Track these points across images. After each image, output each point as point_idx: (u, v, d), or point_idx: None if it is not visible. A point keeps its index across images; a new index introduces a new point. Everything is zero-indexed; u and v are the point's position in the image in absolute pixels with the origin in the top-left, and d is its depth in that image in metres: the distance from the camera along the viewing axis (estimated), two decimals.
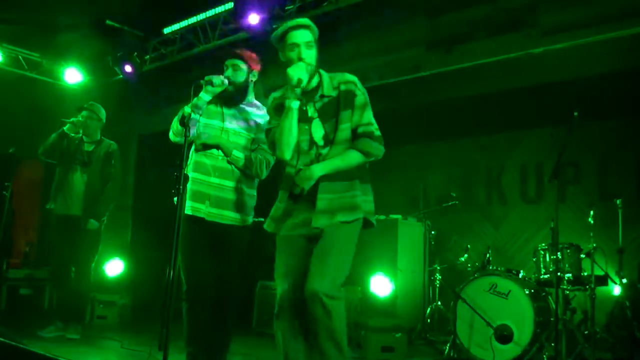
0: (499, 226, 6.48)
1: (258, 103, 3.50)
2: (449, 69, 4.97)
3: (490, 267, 4.54)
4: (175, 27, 6.63)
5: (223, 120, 3.37)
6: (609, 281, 4.52)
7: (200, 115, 3.31)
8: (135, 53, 6.58)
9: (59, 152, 5.03)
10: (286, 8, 5.90)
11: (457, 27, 4.97)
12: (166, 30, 6.75)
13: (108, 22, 6.44)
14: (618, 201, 4.54)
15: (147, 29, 6.81)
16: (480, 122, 6.47)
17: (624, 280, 4.57)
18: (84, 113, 5.23)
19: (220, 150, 3.30)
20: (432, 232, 5.51)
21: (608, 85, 5.15)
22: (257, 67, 3.52)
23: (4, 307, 6.60)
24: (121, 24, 6.56)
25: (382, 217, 5.39)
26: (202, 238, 3.28)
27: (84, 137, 5.21)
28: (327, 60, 6.15)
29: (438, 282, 5.55)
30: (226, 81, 3.33)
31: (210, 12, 6.24)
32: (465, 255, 5.24)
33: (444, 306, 5.44)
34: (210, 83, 3.29)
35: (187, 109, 3.16)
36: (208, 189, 3.29)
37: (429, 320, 5.30)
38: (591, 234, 4.26)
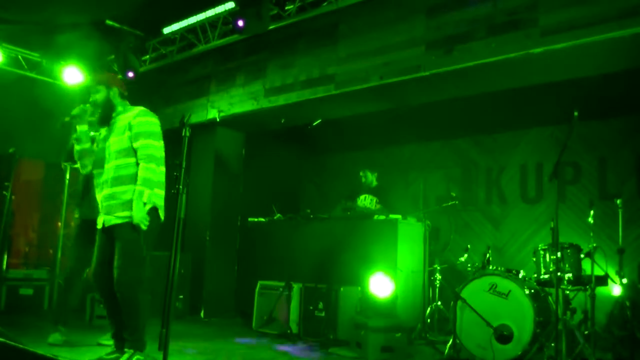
0: (499, 226, 6.48)
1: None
2: (449, 69, 4.98)
3: (490, 267, 4.54)
4: (175, 27, 6.63)
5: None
6: (609, 281, 4.52)
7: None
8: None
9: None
10: (286, 8, 5.90)
11: (457, 27, 4.97)
12: (166, 30, 6.75)
13: (108, 22, 6.44)
14: (618, 201, 4.54)
15: (147, 29, 6.82)
16: (480, 122, 6.47)
17: (624, 280, 4.57)
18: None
19: None
20: (429, 224, 5.51)
21: (608, 85, 5.15)
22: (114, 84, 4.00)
23: (4, 307, 6.60)
24: (121, 24, 6.56)
25: (382, 217, 5.39)
26: None
27: None
28: (327, 60, 6.21)
29: (438, 282, 5.55)
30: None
31: (210, 12, 6.25)
32: (465, 255, 5.23)
33: (444, 306, 5.44)
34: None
35: None
36: None
37: (429, 320, 5.30)
38: (591, 234, 4.26)
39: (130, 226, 3.46)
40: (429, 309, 5.33)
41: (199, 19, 6.40)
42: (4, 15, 6.36)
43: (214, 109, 6.91)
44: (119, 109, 3.95)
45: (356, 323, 4.60)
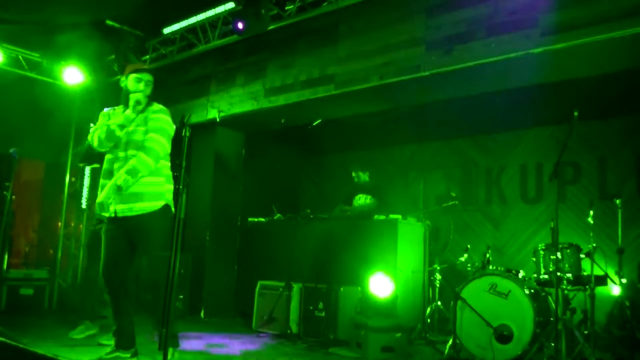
0: (499, 226, 6.48)
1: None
2: (449, 69, 4.97)
3: (490, 267, 4.54)
4: (175, 27, 6.63)
5: None
6: (609, 281, 4.52)
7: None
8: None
9: (97, 155, 4.85)
10: (286, 8, 5.90)
11: (457, 27, 4.97)
12: (166, 30, 6.75)
13: (108, 22, 6.44)
14: (618, 201, 4.54)
15: (147, 29, 6.81)
16: (480, 122, 6.47)
17: (624, 280, 4.57)
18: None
19: None
20: (429, 224, 5.51)
21: (608, 85, 5.15)
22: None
23: (4, 307, 6.60)
24: (121, 24, 6.56)
25: (382, 217, 5.39)
26: None
27: None
28: (327, 60, 6.20)
29: (438, 282, 5.55)
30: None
31: (210, 12, 6.24)
32: (465, 255, 5.23)
33: (444, 306, 5.44)
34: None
35: None
36: None
37: (429, 320, 5.30)
38: (591, 234, 4.26)
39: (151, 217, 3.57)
40: (429, 309, 5.33)
41: (199, 19, 6.39)
42: (4, 15, 6.36)
43: (214, 109, 6.91)
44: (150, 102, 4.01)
45: (356, 323, 4.60)
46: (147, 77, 3.94)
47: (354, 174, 6.15)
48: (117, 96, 8.31)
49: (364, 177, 6.11)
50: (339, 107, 6.29)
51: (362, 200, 5.97)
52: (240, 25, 5.61)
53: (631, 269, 5.25)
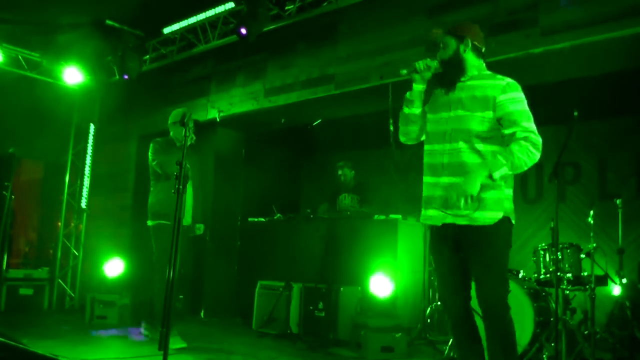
0: None
1: (488, 72, 2.94)
2: None
3: None
4: (175, 27, 6.63)
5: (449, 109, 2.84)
6: (609, 281, 4.52)
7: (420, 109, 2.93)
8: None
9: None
10: (286, 8, 5.90)
11: None
12: (166, 30, 6.75)
13: (108, 22, 6.44)
14: (618, 201, 4.54)
15: (147, 29, 6.81)
16: None
17: (624, 280, 4.57)
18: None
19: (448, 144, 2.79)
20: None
21: (608, 85, 5.15)
22: (469, 34, 2.90)
23: (4, 307, 6.61)
24: (121, 24, 6.56)
25: (382, 217, 5.39)
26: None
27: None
28: (327, 60, 6.20)
29: None
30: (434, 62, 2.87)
31: (210, 12, 6.24)
32: None
33: None
34: (415, 70, 2.87)
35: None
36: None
37: (429, 320, 5.30)
38: (591, 234, 4.26)
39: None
40: (429, 309, 5.33)
41: (199, 19, 6.39)
42: (4, 15, 6.36)
43: (214, 109, 6.91)
44: (473, 72, 2.89)
45: (356, 323, 4.60)
46: None
47: (339, 172, 6.12)
48: (117, 96, 8.31)
49: (350, 176, 6.11)
50: (339, 107, 6.29)
51: (347, 200, 5.95)
52: (243, 31, 5.62)
53: (631, 269, 5.25)
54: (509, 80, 2.84)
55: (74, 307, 7.67)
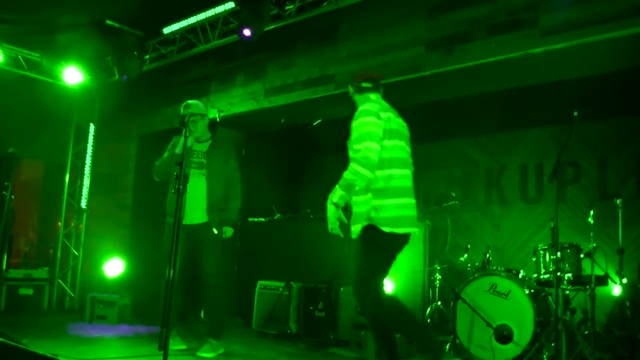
0: (499, 226, 6.48)
1: None
2: (449, 69, 4.97)
3: (490, 267, 4.54)
4: (175, 27, 6.63)
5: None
6: (609, 281, 4.52)
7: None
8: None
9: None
10: (286, 8, 5.90)
11: (457, 27, 4.97)
12: (166, 30, 6.75)
13: (108, 22, 6.44)
14: (618, 201, 4.53)
15: (147, 29, 6.81)
16: (480, 122, 6.47)
17: (624, 280, 4.57)
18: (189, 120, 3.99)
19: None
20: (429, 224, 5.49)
21: (608, 85, 5.15)
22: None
23: (4, 307, 6.61)
24: (121, 24, 6.56)
25: None
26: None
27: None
28: (327, 60, 6.20)
29: (438, 282, 5.55)
30: None
31: (210, 12, 6.24)
32: (465, 255, 5.23)
33: (444, 306, 5.44)
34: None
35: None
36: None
37: (429, 320, 5.30)
38: (591, 234, 4.26)
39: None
40: (429, 309, 5.33)
41: (199, 19, 6.39)
42: (4, 15, 6.36)
43: (214, 109, 6.91)
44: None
45: (356, 323, 4.60)
46: None
47: None
48: (117, 96, 8.33)
49: None
50: (339, 107, 6.29)
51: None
52: (247, 32, 5.59)
53: (631, 269, 5.24)
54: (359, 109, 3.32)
55: (74, 307, 7.67)
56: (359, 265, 3.22)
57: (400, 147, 3.32)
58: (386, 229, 3.12)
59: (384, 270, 3.27)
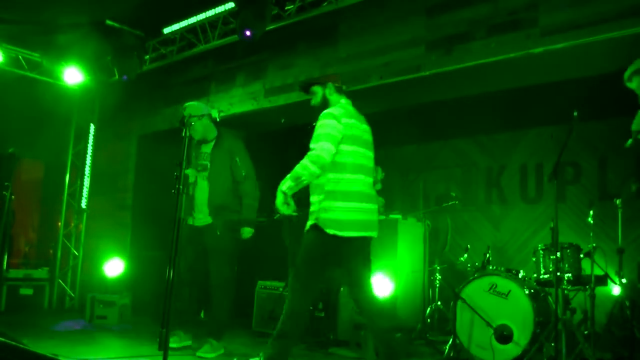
0: (499, 226, 6.48)
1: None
2: (449, 69, 4.97)
3: (490, 267, 4.54)
4: (175, 27, 6.63)
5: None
6: (609, 281, 4.52)
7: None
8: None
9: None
10: (286, 8, 5.90)
11: (457, 27, 4.97)
12: (166, 30, 6.75)
13: (108, 22, 6.44)
14: (618, 201, 4.53)
15: (147, 29, 6.81)
16: (480, 122, 6.47)
17: (624, 280, 4.56)
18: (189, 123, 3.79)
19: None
20: (429, 224, 5.49)
21: (608, 85, 5.14)
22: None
23: (4, 307, 6.61)
24: (121, 24, 6.56)
25: (382, 217, 5.39)
26: None
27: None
28: (327, 60, 6.19)
29: (438, 282, 5.55)
30: None
31: (210, 12, 6.24)
32: (465, 255, 5.23)
33: (444, 306, 5.44)
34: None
35: None
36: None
37: (429, 320, 5.30)
38: (591, 234, 4.26)
39: None
40: (429, 309, 5.33)
41: (199, 19, 6.39)
42: (4, 15, 6.36)
43: (214, 109, 6.90)
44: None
45: (356, 323, 4.60)
46: None
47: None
48: (117, 96, 8.33)
49: (380, 178, 6.10)
50: None
51: None
52: (248, 33, 5.59)
53: (631, 269, 5.25)
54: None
55: (74, 307, 7.67)
56: (299, 260, 3.37)
57: (360, 154, 3.42)
58: (329, 231, 3.24)
59: (319, 270, 3.40)
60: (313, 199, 3.42)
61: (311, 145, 3.35)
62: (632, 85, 3.05)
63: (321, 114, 3.42)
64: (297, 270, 3.37)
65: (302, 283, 3.34)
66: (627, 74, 3.02)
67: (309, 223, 3.39)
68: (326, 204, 3.30)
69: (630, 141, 3.01)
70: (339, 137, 3.31)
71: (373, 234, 3.46)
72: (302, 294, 3.34)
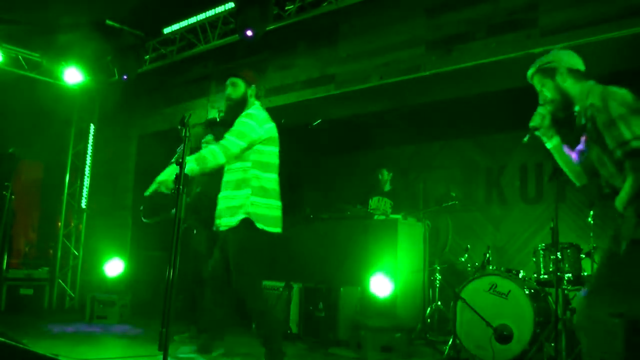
0: (499, 226, 6.48)
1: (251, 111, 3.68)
2: (449, 69, 4.98)
3: (490, 267, 4.54)
4: (175, 27, 6.63)
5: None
6: None
7: None
8: None
9: None
10: (286, 8, 5.90)
11: (457, 27, 4.97)
12: (166, 30, 6.75)
13: (108, 22, 6.44)
14: (617, 203, 4.52)
15: (147, 29, 6.81)
16: (480, 122, 6.47)
17: None
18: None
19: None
20: (429, 224, 5.49)
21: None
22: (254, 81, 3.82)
23: (4, 307, 6.60)
24: (121, 24, 6.56)
25: (382, 217, 5.39)
26: None
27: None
28: (327, 60, 6.19)
29: (438, 282, 5.55)
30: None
31: (210, 12, 6.24)
32: (465, 255, 5.23)
33: (444, 306, 5.44)
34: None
35: None
36: None
37: (429, 320, 5.30)
38: (591, 234, 4.26)
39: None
40: (429, 309, 5.33)
41: (199, 19, 6.39)
42: (4, 15, 6.36)
43: (214, 109, 6.91)
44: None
45: (356, 323, 4.60)
46: None
47: (380, 175, 6.12)
48: (117, 96, 8.32)
49: (387, 178, 6.10)
50: (339, 107, 6.29)
51: (381, 204, 5.92)
52: (249, 33, 5.59)
53: None
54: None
55: (74, 307, 7.67)
56: (243, 261, 3.47)
57: (277, 154, 3.76)
58: (259, 225, 3.44)
59: (265, 264, 3.67)
60: (236, 193, 3.50)
61: (227, 136, 3.45)
62: (534, 83, 3.12)
63: (246, 113, 3.58)
64: (246, 272, 3.46)
65: (257, 281, 3.54)
66: (529, 73, 3.08)
67: (237, 218, 3.44)
68: (255, 200, 3.48)
69: (527, 137, 3.02)
70: (254, 138, 3.49)
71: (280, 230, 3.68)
72: (259, 291, 3.56)
